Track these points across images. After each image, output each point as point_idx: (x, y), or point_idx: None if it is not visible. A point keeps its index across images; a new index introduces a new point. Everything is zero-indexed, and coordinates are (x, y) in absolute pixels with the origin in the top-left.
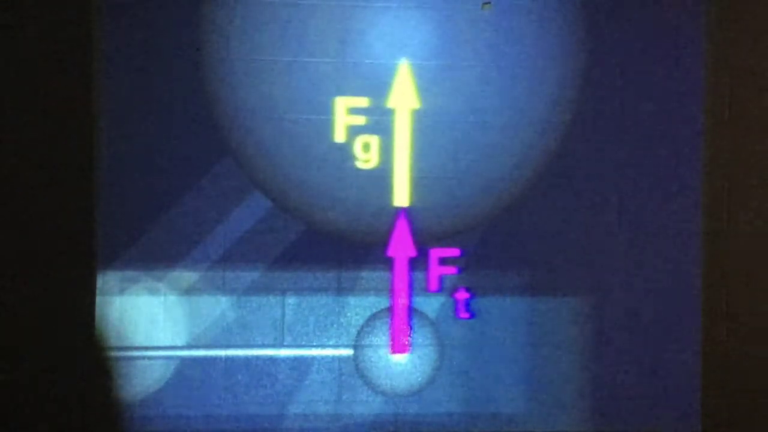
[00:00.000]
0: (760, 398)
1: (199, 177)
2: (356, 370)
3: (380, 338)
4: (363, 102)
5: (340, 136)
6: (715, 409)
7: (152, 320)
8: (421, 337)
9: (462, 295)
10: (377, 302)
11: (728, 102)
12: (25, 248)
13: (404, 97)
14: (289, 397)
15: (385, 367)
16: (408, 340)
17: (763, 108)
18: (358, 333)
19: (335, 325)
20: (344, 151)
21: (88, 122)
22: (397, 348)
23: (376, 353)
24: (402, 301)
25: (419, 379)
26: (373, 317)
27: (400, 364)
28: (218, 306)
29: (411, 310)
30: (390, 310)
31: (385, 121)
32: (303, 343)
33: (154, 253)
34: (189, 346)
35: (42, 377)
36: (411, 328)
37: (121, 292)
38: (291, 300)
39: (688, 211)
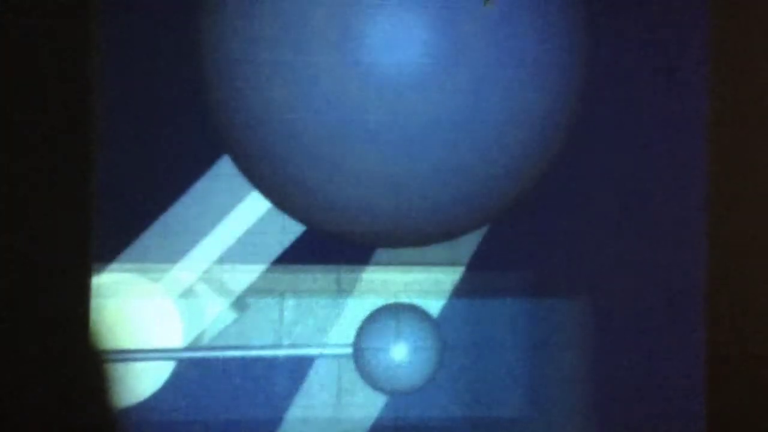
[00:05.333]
0: (765, 399)
1: (197, 177)
2: (356, 372)
3: (380, 340)
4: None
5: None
6: (719, 411)
7: (149, 322)
8: (422, 338)
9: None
10: (377, 304)
11: (731, 102)
12: (20, 249)
13: (404, 97)
14: (288, 399)
15: (385, 370)
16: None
17: (766, 108)
18: (358, 335)
19: (335, 327)
20: (344, 151)
21: (87, 122)
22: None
23: (375, 355)
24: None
25: (419, 381)
26: (373, 319)
27: (400, 367)
28: (216, 307)
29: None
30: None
31: (384, 121)
32: (302, 344)
33: (152, 254)
34: (186, 349)
35: (36, 380)
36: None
37: (118, 293)
38: (290, 301)
39: (691, 212)
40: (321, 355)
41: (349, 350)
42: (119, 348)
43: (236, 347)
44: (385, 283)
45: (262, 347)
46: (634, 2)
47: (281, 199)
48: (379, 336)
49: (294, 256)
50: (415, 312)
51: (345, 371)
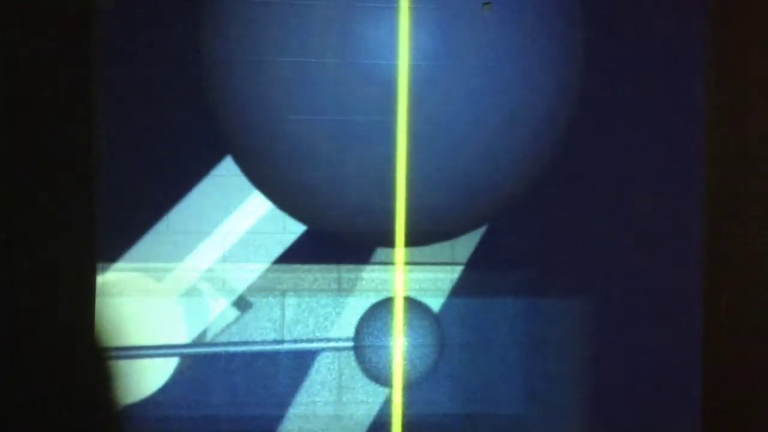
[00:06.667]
0: (761, 400)
1: (199, 177)
2: (356, 370)
3: (380, 339)
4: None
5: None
6: (715, 411)
7: (152, 321)
8: (421, 337)
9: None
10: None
11: (729, 102)
12: (24, 248)
13: (404, 97)
14: (289, 397)
15: (385, 368)
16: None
17: (765, 108)
18: (358, 333)
19: (335, 326)
20: (344, 151)
21: (88, 122)
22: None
23: (376, 354)
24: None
25: (419, 379)
26: (374, 318)
27: (400, 365)
28: (218, 306)
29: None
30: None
31: (384, 121)
32: (303, 343)
33: (155, 253)
34: (188, 347)
35: (41, 377)
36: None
37: (121, 292)
38: (291, 300)
39: (689, 212)
40: (321, 351)
41: (350, 349)
42: (123, 346)
43: (238, 345)
44: (385, 282)
45: (264, 345)
46: (632, 2)
47: (282, 199)
48: (380, 329)
49: (295, 255)
50: (415, 305)
51: (345, 368)
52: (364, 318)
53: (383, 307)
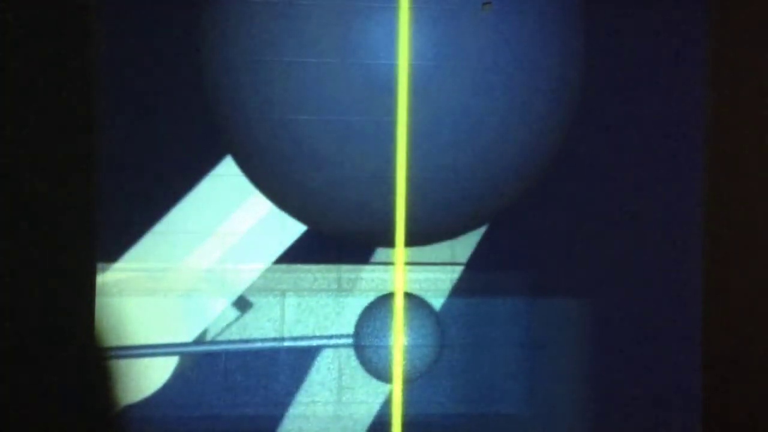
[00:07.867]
0: (762, 401)
1: (199, 177)
2: (356, 370)
3: (380, 339)
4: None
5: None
6: (716, 412)
7: (152, 321)
8: (421, 337)
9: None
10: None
11: (729, 101)
12: (24, 248)
13: (404, 97)
14: (290, 396)
15: (385, 368)
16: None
17: (764, 107)
18: (358, 333)
19: (335, 326)
20: (345, 151)
21: (88, 122)
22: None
23: (376, 354)
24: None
25: (419, 379)
26: (373, 317)
27: (400, 365)
28: (218, 306)
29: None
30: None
31: (385, 121)
32: (303, 343)
33: (155, 253)
34: (188, 347)
35: (41, 377)
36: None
37: (121, 292)
38: (291, 300)
39: (689, 212)
40: (321, 351)
41: (350, 349)
42: (123, 345)
43: (238, 345)
44: (385, 282)
45: (264, 345)
46: (633, 4)
47: (282, 199)
48: (379, 335)
49: (295, 255)
50: (416, 301)
51: (345, 368)
52: (363, 315)
53: (383, 303)
